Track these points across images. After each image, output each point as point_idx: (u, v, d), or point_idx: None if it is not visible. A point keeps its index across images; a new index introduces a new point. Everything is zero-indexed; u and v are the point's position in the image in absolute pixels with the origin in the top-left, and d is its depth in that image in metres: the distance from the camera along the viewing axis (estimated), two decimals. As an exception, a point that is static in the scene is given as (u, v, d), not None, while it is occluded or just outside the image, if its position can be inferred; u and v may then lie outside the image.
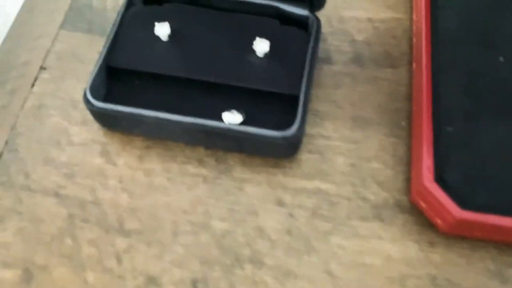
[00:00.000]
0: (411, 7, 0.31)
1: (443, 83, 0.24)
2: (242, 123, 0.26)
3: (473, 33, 0.25)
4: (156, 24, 0.27)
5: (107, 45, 0.27)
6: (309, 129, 0.27)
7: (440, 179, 0.23)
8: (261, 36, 0.27)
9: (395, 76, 0.29)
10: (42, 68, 0.29)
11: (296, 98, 0.26)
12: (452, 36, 0.25)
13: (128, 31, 0.28)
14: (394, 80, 0.28)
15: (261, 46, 0.26)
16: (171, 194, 0.25)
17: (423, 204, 0.24)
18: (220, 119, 0.26)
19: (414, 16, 0.30)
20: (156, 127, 0.25)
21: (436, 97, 0.24)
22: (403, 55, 0.29)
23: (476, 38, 0.25)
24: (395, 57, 0.29)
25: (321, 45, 0.30)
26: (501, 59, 0.23)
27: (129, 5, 0.28)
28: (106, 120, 0.26)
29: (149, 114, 0.25)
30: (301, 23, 0.28)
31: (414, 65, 0.28)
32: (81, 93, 0.28)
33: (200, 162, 0.26)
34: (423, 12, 0.28)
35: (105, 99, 0.26)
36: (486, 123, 0.23)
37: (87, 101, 0.25)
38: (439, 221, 0.23)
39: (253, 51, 0.27)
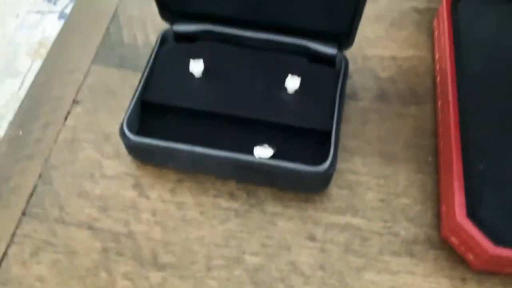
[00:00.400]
0: (433, 46, 0.32)
1: (472, 121, 0.25)
2: (273, 157, 0.26)
3: (500, 71, 0.26)
4: (191, 61, 0.28)
5: (143, 80, 0.28)
6: (338, 164, 0.27)
7: (472, 215, 0.23)
8: (290, 73, 0.28)
9: (420, 112, 0.29)
10: (74, 102, 0.30)
11: (326, 134, 0.26)
12: (479, 74, 0.26)
13: (162, 67, 0.28)
14: (420, 117, 0.29)
15: (292, 83, 0.27)
16: (204, 227, 0.26)
17: (455, 240, 0.24)
18: (251, 153, 0.26)
19: (436, 55, 0.31)
20: (189, 160, 0.26)
21: (465, 134, 0.25)
22: (427, 92, 0.30)
23: (504, 76, 0.26)
24: (419, 94, 0.30)
25: (347, 82, 0.31)
26: (530, 98, 0.24)
27: (162, 42, 0.29)
28: (140, 153, 0.27)
29: (184, 148, 0.25)
30: (329, 61, 0.29)
31: (439, 102, 0.28)
32: (114, 127, 0.29)
33: (232, 196, 0.27)
34: (447, 51, 0.29)
35: (139, 133, 0.27)
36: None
37: (123, 135, 0.26)
38: (471, 257, 0.24)
39: (284, 88, 0.27)
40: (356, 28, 0.27)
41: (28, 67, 1.08)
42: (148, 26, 0.33)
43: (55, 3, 1.18)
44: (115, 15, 0.34)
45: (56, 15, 1.15)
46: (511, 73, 0.26)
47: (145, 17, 0.34)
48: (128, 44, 0.33)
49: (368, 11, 0.34)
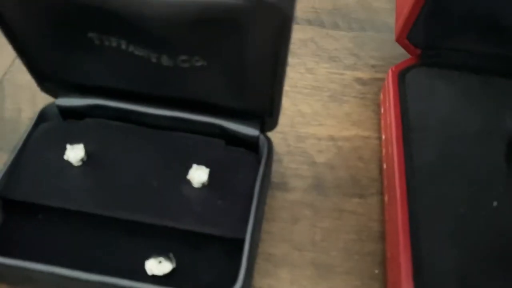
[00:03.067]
0: (379, 124, 0.27)
1: (424, 230, 0.19)
2: (172, 273, 0.20)
3: (458, 166, 0.21)
4: (68, 146, 0.22)
5: (4, 170, 0.21)
6: (258, 281, 0.21)
7: None
8: (201, 160, 0.22)
9: (364, 208, 0.24)
10: None
11: (241, 242, 0.20)
12: (432, 167, 0.21)
13: (34, 154, 0.22)
14: (363, 214, 0.23)
15: (198, 175, 0.21)
16: None
17: None
18: (144, 268, 0.20)
19: (383, 136, 0.26)
20: (52, 285, 0.19)
21: (416, 248, 0.19)
22: (372, 182, 0.25)
23: (462, 173, 0.20)
24: (363, 184, 0.25)
25: (276, 168, 0.25)
26: (495, 203, 0.19)
27: (39, 121, 0.23)
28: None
29: (42, 269, 0.18)
30: (251, 144, 0.23)
31: (386, 197, 0.23)
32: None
33: (113, 329, 0.20)
34: (393, 133, 0.24)
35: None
36: (481, 284, 0.18)
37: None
38: None
39: (189, 181, 0.21)
40: (278, 108, 0.22)
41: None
42: (39, 98, 0.27)
43: None
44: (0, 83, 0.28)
45: None
46: (471, 170, 0.21)
47: (36, 87, 0.28)
48: (9, 119, 0.26)
49: (304, 82, 0.29)
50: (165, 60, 0.20)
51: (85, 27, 0.19)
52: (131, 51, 0.20)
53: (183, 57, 0.20)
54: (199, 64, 0.20)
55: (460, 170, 0.20)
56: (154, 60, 0.20)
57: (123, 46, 0.20)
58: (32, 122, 0.23)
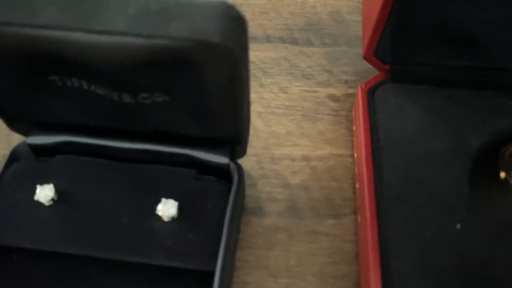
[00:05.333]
0: (352, 141, 0.27)
1: (393, 252, 0.19)
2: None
3: (424, 187, 0.21)
4: (38, 186, 0.22)
5: (-25, 215, 0.21)
6: (233, 311, 0.21)
7: None
8: (171, 192, 0.22)
9: (338, 229, 0.24)
10: None
11: (213, 274, 0.20)
12: (400, 188, 0.21)
13: (5, 194, 0.22)
14: (337, 235, 0.24)
15: (167, 209, 0.21)
16: None
17: None
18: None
19: (355, 154, 0.26)
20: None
21: (386, 270, 0.19)
22: (346, 202, 0.25)
23: (428, 194, 0.20)
24: (337, 205, 0.25)
25: (251, 192, 0.25)
26: (458, 226, 0.19)
27: (11, 161, 0.23)
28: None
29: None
30: (222, 171, 0.24)
31: (359, 217, 0.23)
32: None
33: None
34: (363, 153, 0.24)
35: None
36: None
37: None
38: None
39: (158, 215, 0.22)
40: (246, 137, 0.22)
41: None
42: (14, 135, 0.28)
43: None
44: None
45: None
46: (433, 182, 0.21)
47: (10, 123, 0.28)
48: (-17, 158, 0.27)
49: (278, 102, 0.29)
50: (127, 98, 0.20)
51: (44, 71, 0.19)
52: (93, 90, 0.20)
53: (144, 95, 0.20)
54: (160, 99, 0.20)
55: (426, 191, 0.20)
56: (116, 98, 0.20)
57: (85, 86, 0.20)
58: (4, 162, 0.23)
